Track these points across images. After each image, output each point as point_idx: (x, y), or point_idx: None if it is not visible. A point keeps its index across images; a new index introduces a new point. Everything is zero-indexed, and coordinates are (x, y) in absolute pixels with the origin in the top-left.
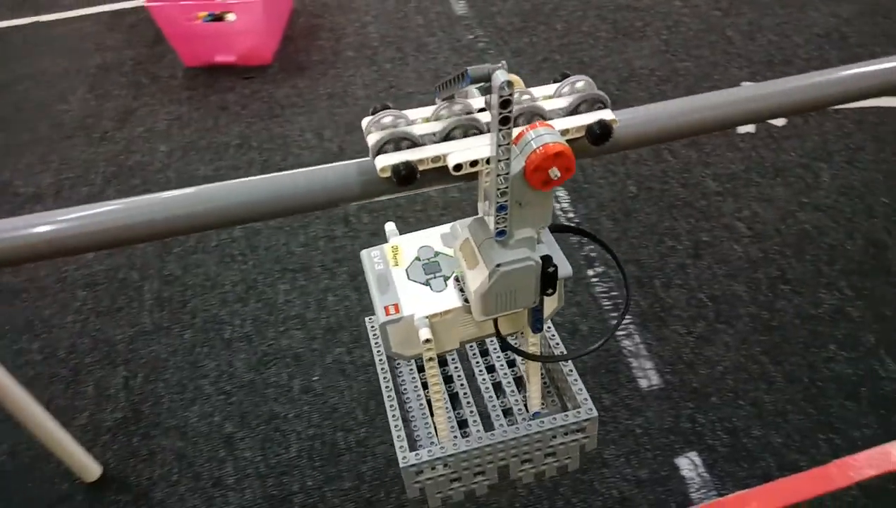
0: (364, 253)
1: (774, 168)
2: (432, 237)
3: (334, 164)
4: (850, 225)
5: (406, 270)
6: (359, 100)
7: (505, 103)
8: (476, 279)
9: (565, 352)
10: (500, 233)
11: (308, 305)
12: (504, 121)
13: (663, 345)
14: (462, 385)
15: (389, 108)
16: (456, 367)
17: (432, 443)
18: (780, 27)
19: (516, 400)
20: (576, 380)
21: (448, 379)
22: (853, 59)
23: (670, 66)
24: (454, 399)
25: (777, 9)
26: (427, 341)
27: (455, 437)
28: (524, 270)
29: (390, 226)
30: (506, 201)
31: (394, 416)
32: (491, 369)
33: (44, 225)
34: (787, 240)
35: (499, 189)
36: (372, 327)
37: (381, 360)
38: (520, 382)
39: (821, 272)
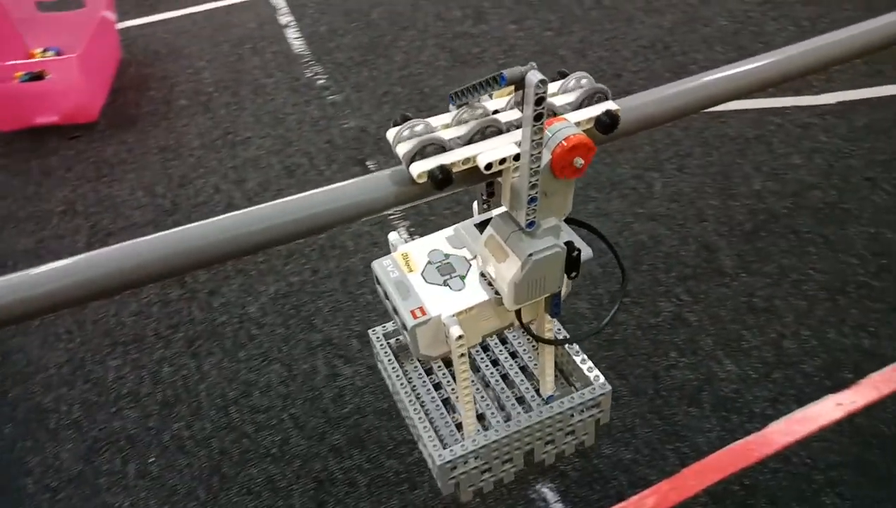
0: (375, 263)
1: (610, 182)
2: (438, 241)
3: (367, 176)
4: (683, 230)
5: (421, 274)
6: (193, 150)
7: (539, 101)
8: (509, 270)
9: (568, 336)
10: (531, 224)
11: (141, 380)
12: (538, 117)
13: None
14: (472, 381)
15: (410, 118)
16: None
17: (455, 440)
18: (609, 42)
19: (527, 388)
20: (584, 360)
21: (454, 378)
22: (676, 67)
23: None
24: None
25: (605, 24)
26: (459, 337)
27: (478, 430)
28: (553, 257)
29: (395, 236)
30: (536, 193)
31: (420, 418)
32: (495, 362)
33: None
34: (624, 253)
35: (530, 182)
36: (377, 338)
37: (394, 369)
38: (525, 371)
39: (658, 281)
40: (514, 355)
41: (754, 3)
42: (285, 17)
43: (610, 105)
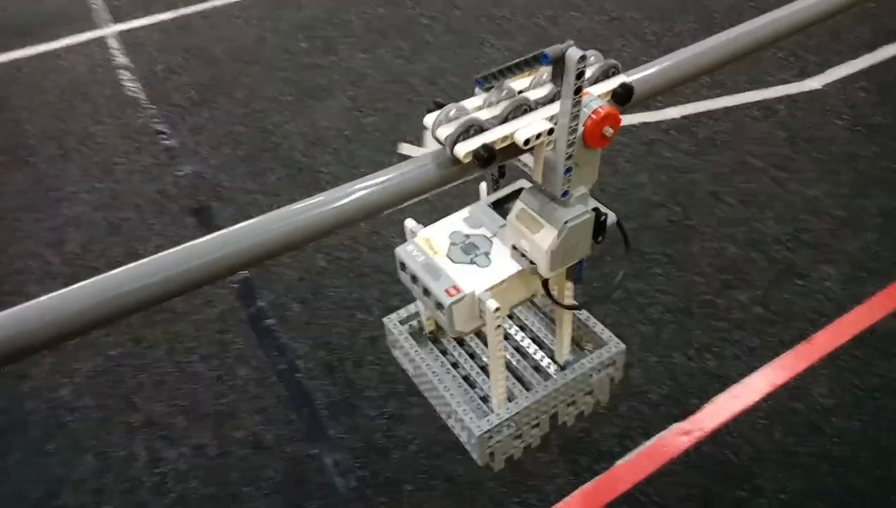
0: (399, 250)
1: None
2: (456, 222)
3: (410, 161)
4: None
5: (447, 256)
6: (7, 212)
7: (579, 75)
8: (546, 239)
9: (576, 303)
10: (565, 193)
11: None
12: (577, 90)
13: (354, 435)
14: (487, 357)
15: (444, 104)
16: (467, 346)
17: (483, 413)
18: (461, 68)
19: (541, 357)
20: (595, 323)
21: (471, 356)
22: None
23: (357, 123)
24: (484, 371)
25: (456, 50)
26: (497, 309)
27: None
28: (585, 223)
29: (411, 223)
30: (571, 164)
31: (452, 394)
32: (506, 337)
33: None
34: None
35: (567, 153)
36: (394, 325)
37: (416, 352)
38: (535, 341)
39: None
40: (522, 328)
41: (602, 22)
42: (120, 59)
43: (623, 78)
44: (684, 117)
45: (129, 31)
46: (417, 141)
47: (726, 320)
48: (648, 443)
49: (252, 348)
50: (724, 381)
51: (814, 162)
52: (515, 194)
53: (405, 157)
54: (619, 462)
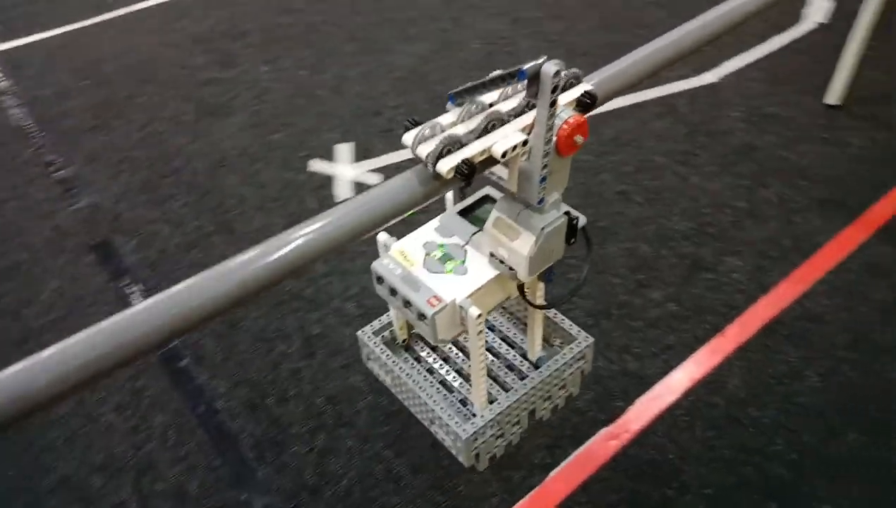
0: (375, 264)
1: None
2: (428, 233)
3: (394, 180)
4: None
5: (424, 266)
6: None
7: (554, 89)
8: (525, 246)
9: (547, 303)
10: (541, 201)
11: None
12: (552, 104)
13: (283, 475)
14: (463, 360)
15: (420, 122)
16: (440, 351)
17: (464, 416)
18: (365, 77)
19: (514, 356)
20: (563, 320)
21: (445, 360)
22: (435, 97)
23: (262, 140)
24: (459, 374)
25: (361, 58)
26: (479, 316)
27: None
28: (560, 227)
29: (384, 236)
30: (546, 172)
31: (434, 401)
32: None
33: None
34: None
35: (543, 162)
36: (368, 337)
37: (394, 362)
38: (506, 341)
39: None
40: (491, 328)
41: (506, 23)
42: (2, 83)
43: (586, 86)
44: (591, 116)
45: (9, 50)
46: (327, 156)
47: (642, 319)
48: (578, 451)
49: (167, 392)
50: (645, 381)
51: (714, 155)
52: (482, 201)
53: (318, 176)
54: (552, 474)
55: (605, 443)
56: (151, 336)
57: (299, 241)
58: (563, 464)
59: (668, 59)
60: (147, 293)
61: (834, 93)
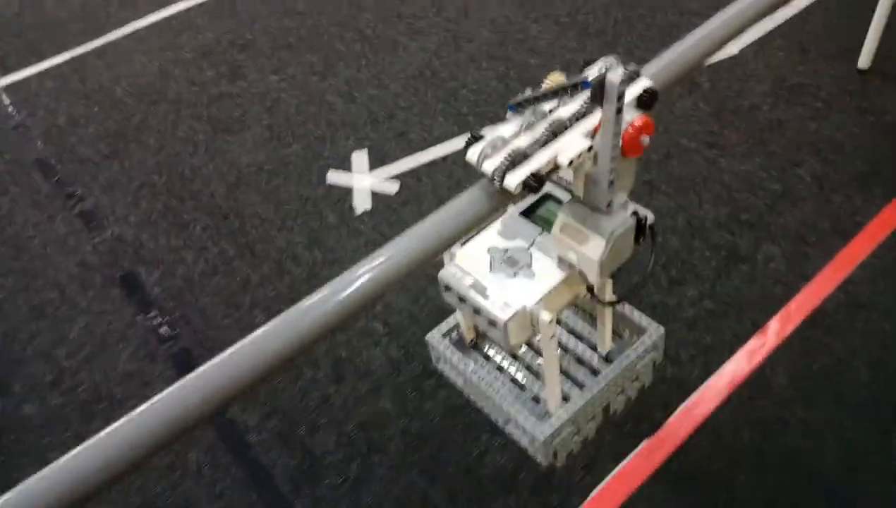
0: (442, 273)
1: None
2: (491, 238)
3: (462, 197)
4: None
5: (491, 272)
6: None
7: (620, 96)
8: (595, 250)
9: (615, 297)
10: (609, 204)
11: None
12: (619, 111)
13: None
14: (532, 356)
15: (482, 136)
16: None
17: (539, 415)
18: (377, 77)
19: (583, 349)
20: (632, 311)
21: (514, 357)
22: (447, 96)
23: (277, 154)
24: (529, 370)
25: (370, 57)
26: (551, 321)
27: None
28: (629, 229)
29: None
30: (613, 176)
31: (507, 402)
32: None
33: None
34: (422, 324)
35: (611, 167)
36: (438, 341)
37: (465, 364)
38: (574, 335)
39: None
40: (558, 322)
41: (514, 7)
42: (15, 116)
43: (645, 82)
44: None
45: (18, 82)
46: (344, 165)
47: (678, 320)
48: (619, 468)
49: (199, 427)
50: (685, 388)
51: (743, 134)
52: (543, 200)
53: (336, 188)
54: (593, 494)
55: (646, 457)
56: (217, 397)
57: (370, 274)
58: (603, 483)
59: (720, 40)
60: (172, 325)
61: (866, 56)
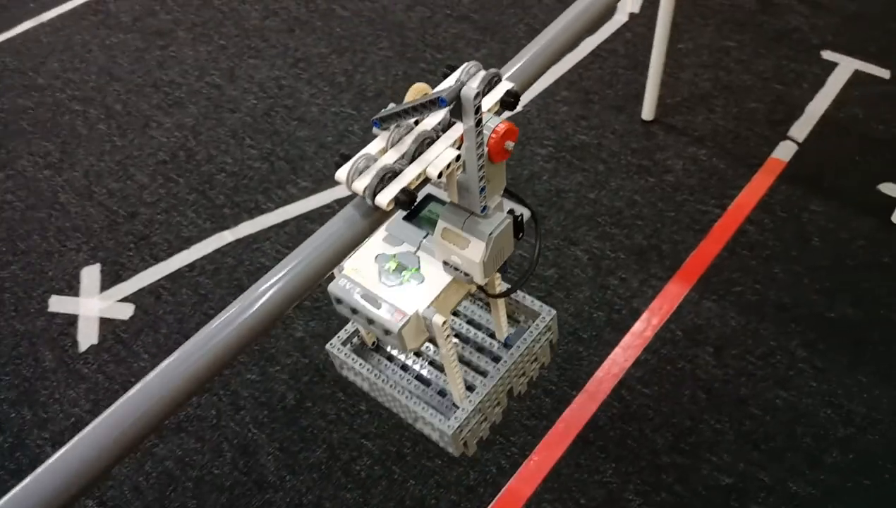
0: (332, 286)
1: None
2: (377, 246)
3: (336, 218)
4: (214, 434)
5: (380, 281)
6: None
7: (477, 110)
8: (475, 253)
9: (508, 286)
10: (484, 208)
11: None
12: (478, 123)
13: None
14: (434, 351)
15: (350, 156)
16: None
17: (447, 408)
18: (121, 165)
19: (483, 338)
20: (524, 297)
21: (417, 355)
22: (201, 183)
23: None
24: (432, 365)
25: (116, 140)
26: (444, 323)
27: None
28: (507, 228)
29: None
30: (484, 183)
31: (415, 402)
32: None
33: None
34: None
35: (480, 175)
36: (338, 349)
37: (368, 370)
38: (472, 324)
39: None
40: (455, 314)
41: (286, 66)
42: None
43: (507, 84)
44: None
45: None
46: (70, 287)
47: (438, 458)
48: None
49: None
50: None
51: None
52: (424, 201)
53: (58, 318)
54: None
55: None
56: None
57: (248, 313)
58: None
59: (574, 34)
60: None
61: (649, 107)
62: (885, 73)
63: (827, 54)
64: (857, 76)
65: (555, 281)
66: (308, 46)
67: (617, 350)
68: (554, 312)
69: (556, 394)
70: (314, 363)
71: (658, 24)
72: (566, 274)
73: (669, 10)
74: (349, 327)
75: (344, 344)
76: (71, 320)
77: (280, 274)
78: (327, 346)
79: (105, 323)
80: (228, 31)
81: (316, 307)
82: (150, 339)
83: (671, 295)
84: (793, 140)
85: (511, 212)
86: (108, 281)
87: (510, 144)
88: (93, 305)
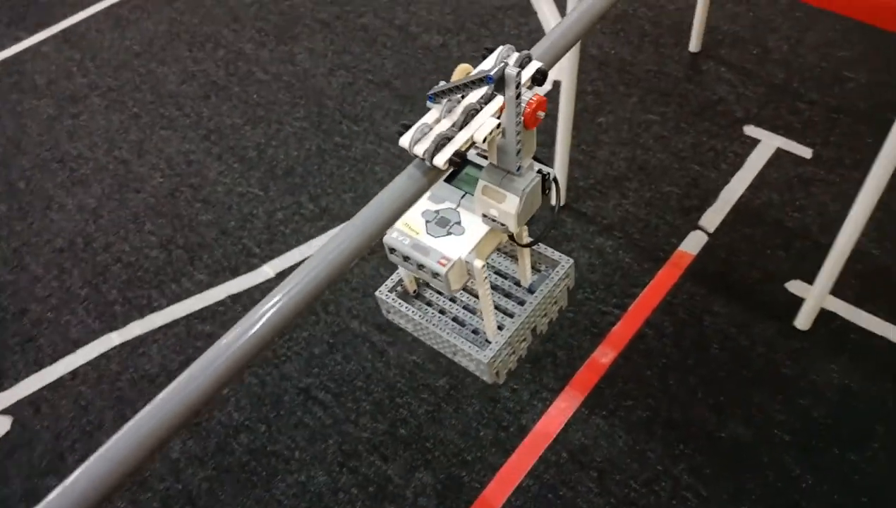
0: (386, 238)
1: None
2: (423, 203)
3: (401, 177)
4: None
5: (427, 233)
6: None
7: (518, 85)
8: (511, 206)
9: (532, 240)
10: (519, 168)
11: None
12: (518, 96)
13: None
14: (468, 297)
15: (410, 125)
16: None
17: (481, 343)
18: (17, 255)
19: (509, 286)
20: (546, 248)
21: (452, 300)
22: (94, 275)
23: None
24: (466, 310)
25: (14, 226)
26: (483, 266)
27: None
28: (536, 185)
29: None
30: (520, 146)
31: (455, 336)
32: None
33: None
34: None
35: (517, 140)
36: (385, 296)
37: (413, 311)
38: (500, 274)
39: None
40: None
41: (197, 140)
42: None
43: (536, 64)
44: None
45: None
46: None
47: None
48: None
49: None
50: None
51: None
52: (461, 166)
53: None
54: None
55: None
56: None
57: (341, 246)
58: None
59: (597, 14)
60: None
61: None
62: (806, 153)
63: (750, 130)
64: (778, 155)
65: (445, 391)
66: (222, 116)
67: (500, 474)
68: (571, 261)
69: None
70: (187, 489)
71: (560, 112)
72: (458, 383)
73: (571, 96)
74: (394, 277)
75: (391, 291)
76: None
77: (358, 221)
78: (376, 293)
79: None
80: (144, 96)
81: (196, 423)
82: (27, 457)
83: (560, 411)
84: (703, 230)
85: (539, 171)
86: None
87: (541, 114)
88: None
